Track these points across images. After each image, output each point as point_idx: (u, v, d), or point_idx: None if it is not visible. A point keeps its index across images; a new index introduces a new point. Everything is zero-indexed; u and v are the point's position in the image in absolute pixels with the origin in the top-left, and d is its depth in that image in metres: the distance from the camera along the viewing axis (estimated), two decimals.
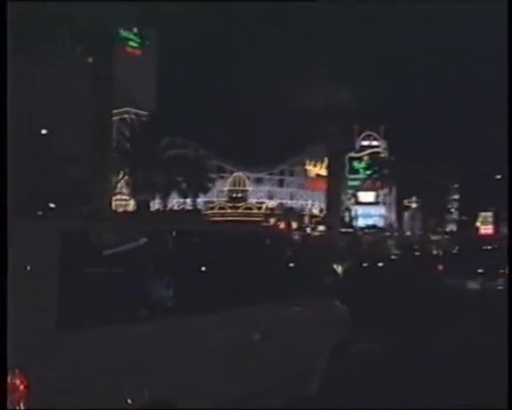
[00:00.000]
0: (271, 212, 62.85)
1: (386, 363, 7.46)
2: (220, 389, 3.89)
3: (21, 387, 2.67)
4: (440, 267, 19.71)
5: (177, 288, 3.82)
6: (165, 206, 54.48)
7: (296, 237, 44.50)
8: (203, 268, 4.14)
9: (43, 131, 20.42)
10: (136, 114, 79.31)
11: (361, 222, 74.47)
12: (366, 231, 64.02)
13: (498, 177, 54.27)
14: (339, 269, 13.55)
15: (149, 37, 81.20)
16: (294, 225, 62.43)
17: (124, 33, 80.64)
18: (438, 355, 7.83)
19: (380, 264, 18.88)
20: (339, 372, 5.10)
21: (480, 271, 17.94)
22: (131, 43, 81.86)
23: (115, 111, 78.08)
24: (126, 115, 79.16)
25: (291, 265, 5.14)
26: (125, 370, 3.26)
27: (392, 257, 27.58)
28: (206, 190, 52.40)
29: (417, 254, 31.04)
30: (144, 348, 3.41)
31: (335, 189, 19.76)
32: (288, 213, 58.88)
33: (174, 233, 4.13)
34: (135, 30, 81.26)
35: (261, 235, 5.30)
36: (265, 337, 4.22)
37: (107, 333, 3.27)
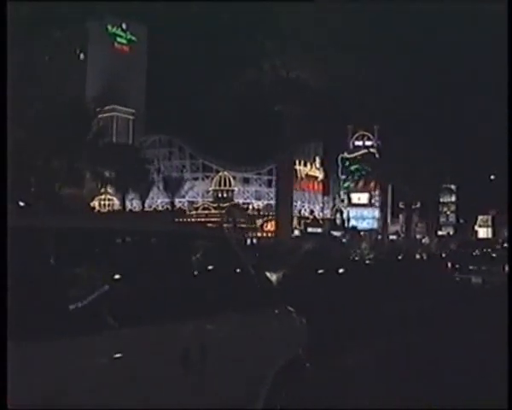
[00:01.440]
0: (258, 213, 60.68)
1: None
2: None
3: None
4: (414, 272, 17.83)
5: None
6: (143, 205, 52.57)
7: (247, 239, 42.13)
8: (117, 276, 3.50)
9: None
10: (123, 112, 77.63)
11: (353, 224, 72.62)
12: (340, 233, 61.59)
13: (492, 177, 52.75)
14: (273, 277, 11.41)
15: (138, 33, 79.56)
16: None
17: (112, 29, 79.05)
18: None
19: (341, 270, 16.72)
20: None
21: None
22: (120, 40, 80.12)
23: (101, 109, 76.56)
24: (113, 113, 77.48)
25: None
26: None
27: (367, 262, 25.45)
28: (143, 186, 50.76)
29: (400, 258, 29.06)
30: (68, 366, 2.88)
31: (284, 187, 17.80)
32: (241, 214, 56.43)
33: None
34: (123, 26, 79.62)
35: (197, 236, 4.67)
36: (196, 357, 3.54)
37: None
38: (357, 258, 29.21)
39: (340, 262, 18.56)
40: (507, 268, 18.10)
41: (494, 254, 21.72)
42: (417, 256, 32.84)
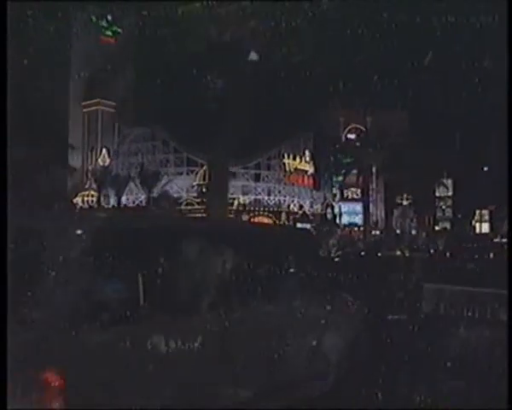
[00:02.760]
0: (244, 208, 58.56)
1: None
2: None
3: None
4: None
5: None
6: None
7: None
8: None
9: None
10: (107, 106, 75.64)
11: (345, 220, 70.83)
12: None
13: (486, 168, 51.42)
14: None
15: (124, 25, 77.57)
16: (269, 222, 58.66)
17: (97, 21, 77.01)
18: None
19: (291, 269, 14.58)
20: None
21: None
22: (105, 32, 78.29)
23: (85, 102, 74.59)
24: (97, 107, 75.63)
25: None
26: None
27: (336, 259, 23.34)
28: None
29: (362, 254, 26.90)
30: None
31: (218, 177, 16.32)
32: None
33: None
34: (109, 17, 77.65)
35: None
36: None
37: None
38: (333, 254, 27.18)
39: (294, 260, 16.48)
40: (491, 255, 22.18)
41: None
42: (398, 253, 30.62)
